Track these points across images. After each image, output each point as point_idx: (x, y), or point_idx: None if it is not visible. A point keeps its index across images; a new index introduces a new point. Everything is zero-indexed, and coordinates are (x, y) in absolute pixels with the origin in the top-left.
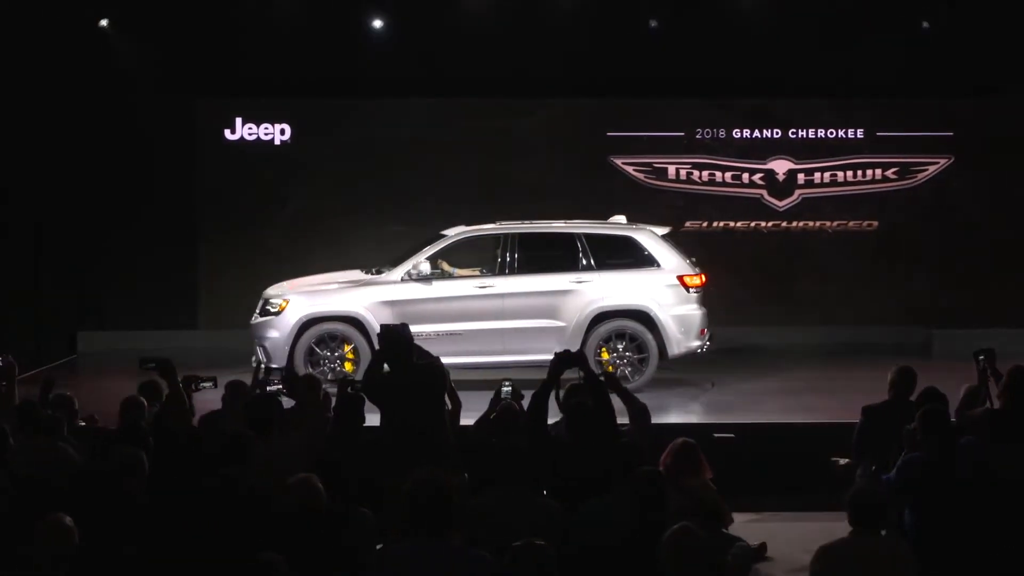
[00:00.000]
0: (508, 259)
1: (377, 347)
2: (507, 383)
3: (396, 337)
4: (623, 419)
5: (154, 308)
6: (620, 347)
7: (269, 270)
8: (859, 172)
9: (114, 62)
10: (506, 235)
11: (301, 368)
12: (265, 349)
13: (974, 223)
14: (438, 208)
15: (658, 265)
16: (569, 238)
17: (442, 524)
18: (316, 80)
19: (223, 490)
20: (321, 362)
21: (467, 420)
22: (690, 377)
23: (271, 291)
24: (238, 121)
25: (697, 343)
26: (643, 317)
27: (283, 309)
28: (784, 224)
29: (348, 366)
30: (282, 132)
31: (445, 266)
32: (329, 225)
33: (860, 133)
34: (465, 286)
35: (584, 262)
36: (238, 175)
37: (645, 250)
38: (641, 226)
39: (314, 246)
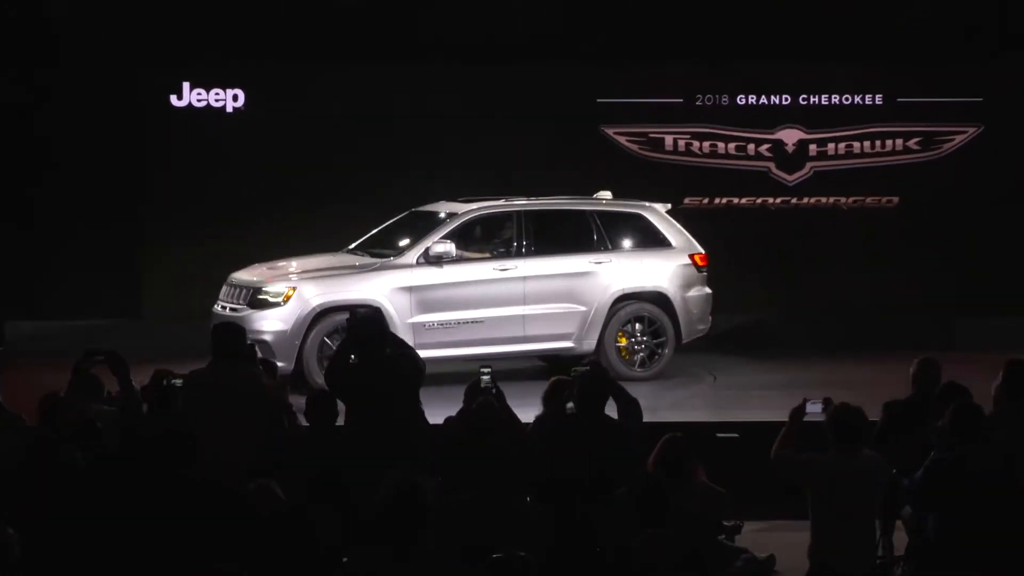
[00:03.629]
0: (524, 239)
1: (345, 335)
2: (486, 371)
3: (366, 324)
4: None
5: (92, 294)
6: (637, 332)
7: (222, 252)
8: (878, 143)
9: (46, 21)
10: (519, 213)
11: (314, 367)
12: (265, 345)
13: (1004, 199)
14: (409, 183)
15: (669, 244)
16: (581, 216)
17: (417, 531)
18: (274, 40)
19: (177, 493)
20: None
21: (441, 416)
22: (689, 369)
23: (248, 277)
24: (185, 86)
25: (704, 326)
26: (661, 300)
27: (289, 298)
28: (794, 200)
29: None
30: (235, 98)
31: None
32: (289, 202)
33: (879, 99)
34: (484, 269)
35: (599, 242)
36: (186, 146)
37: (655, 228)
38: (645, 203)
39: (272, 225)
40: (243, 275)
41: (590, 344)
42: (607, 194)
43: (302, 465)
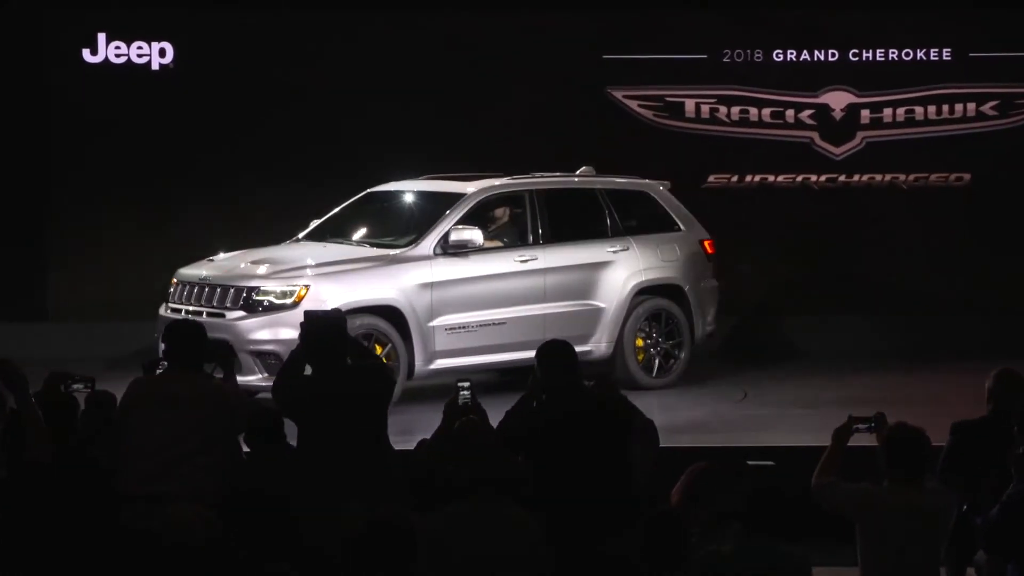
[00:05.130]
0: (541, 225)
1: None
2: (465, 385)
3: (325, 328)
4: None
5: None
6: (654, 332)
7: (146, 240)
8: (945, 107)
9: None
10: (533, 193)
11: None
12: (271, 357)
13: None
14: (373, 155)
15: (678, 227)
16: (591, 195)
17: (406, 569)
18: None
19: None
20: None
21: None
22: (712, 383)
23: (229, 274)
24: (101, 38)
25: (713, 326)
26: (676, 293)
27: (301, 299)
28: (842, 178)
29: None
30: (162, 53)
31: None
32: (226, 178)
33: (946, 54)
34: (505, 261)
35: (611, 226)
36: (101, 111)
37: (663, 209)
38: (644, 180)
39: (206, 206)
40: (215, 271)
41: (607, 348)
42: (589, 170)
43: (244, 497)
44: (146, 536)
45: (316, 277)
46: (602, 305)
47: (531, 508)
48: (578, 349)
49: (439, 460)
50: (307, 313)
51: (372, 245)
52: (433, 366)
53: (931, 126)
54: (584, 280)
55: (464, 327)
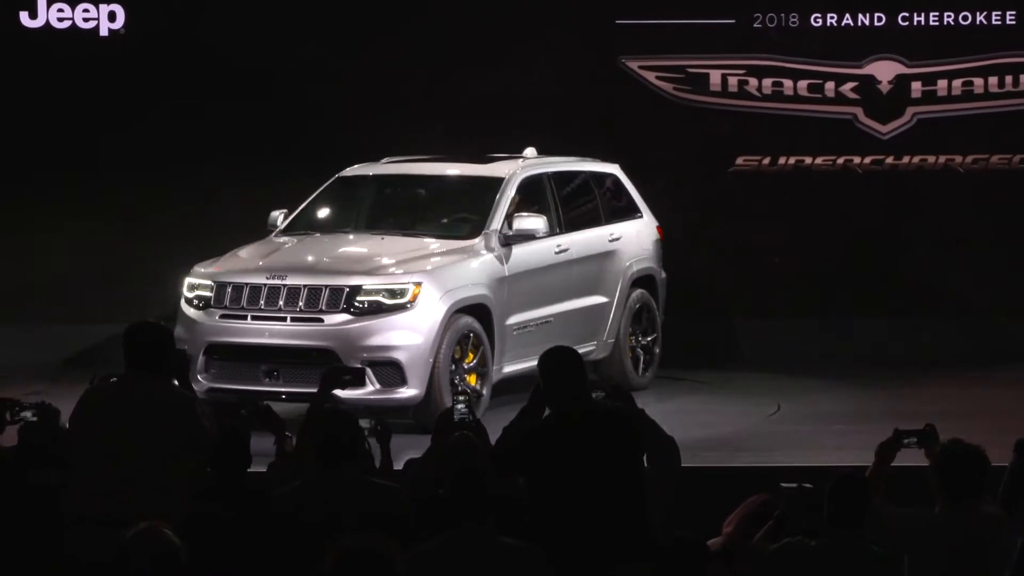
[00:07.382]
0: (560, 211)
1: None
2: (461, 399)
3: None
4: None
5: None
6: (637, 328)
7: (100, 233)
8: (1007, 79)
9: None
10: (548, 176)
11: (446, 392)
12: (390, 369)
13: None
14: (349, 133)
15: (640, 213)
16: (584, 178)
17: None
18: None
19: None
20: (455, 380)
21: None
22: (743, 394)
23: (311, 269)
24: (41, 1)
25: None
26: (650, 284)
27: (416, 297)
28: (890, 160)
29: (472, 379)
30: (111, 17)
31: None
32: (186, 161)
33: (1010, 17)
34: (547, 251)
35: (603, 212)
36: (42, 83)
37: (628, 192)
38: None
39: (162, 193)
40: (289, 268)
41: (608, 346)
42: (531, 151)
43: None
44: (97, 568)
45: (426, 274)
46: (605, 299)
47: (531, 536)
48: (586, 348)
49: (429, 480)
50: (328, 409)
51: (428, 236)
52: (504, 371)
53: (992, 100)
54: (597, 272)
55: (525, 326)
